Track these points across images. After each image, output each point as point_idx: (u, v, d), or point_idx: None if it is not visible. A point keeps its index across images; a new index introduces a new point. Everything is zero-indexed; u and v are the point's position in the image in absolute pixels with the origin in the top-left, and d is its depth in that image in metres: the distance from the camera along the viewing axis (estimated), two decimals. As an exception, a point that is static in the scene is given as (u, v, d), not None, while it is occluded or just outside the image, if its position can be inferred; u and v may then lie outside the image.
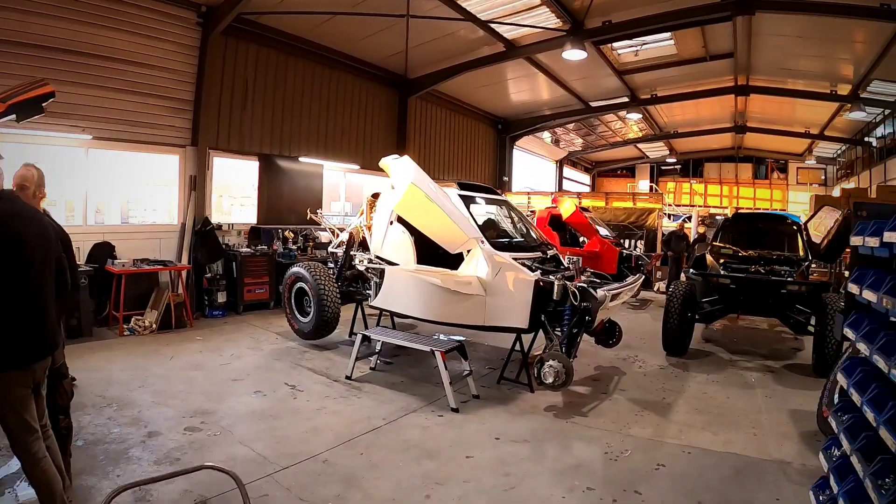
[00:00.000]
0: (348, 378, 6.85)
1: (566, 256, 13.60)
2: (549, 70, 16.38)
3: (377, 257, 7.81)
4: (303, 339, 8.52)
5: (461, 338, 6.97)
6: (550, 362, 5.80)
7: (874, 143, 20.43)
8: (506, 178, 22.36)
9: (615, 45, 14.99)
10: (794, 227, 9.99)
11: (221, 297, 10.67)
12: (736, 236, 10.10)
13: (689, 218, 20.50)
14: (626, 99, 19.20)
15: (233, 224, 11.96)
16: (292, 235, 12.23)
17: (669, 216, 20.79)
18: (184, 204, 10.78)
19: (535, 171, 27.02)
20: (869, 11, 10.63)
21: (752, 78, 17.36)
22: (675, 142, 28.75)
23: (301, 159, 13.23)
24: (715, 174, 31.21)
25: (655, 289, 16.14)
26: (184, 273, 10.11)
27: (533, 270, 6.86)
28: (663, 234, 16.67)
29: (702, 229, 16.21)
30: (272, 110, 12.69)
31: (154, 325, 9.02)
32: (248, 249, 11.28)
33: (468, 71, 15.30)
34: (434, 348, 6.28)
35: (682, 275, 12.03)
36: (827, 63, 15.16)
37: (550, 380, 5.77)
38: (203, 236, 10.57)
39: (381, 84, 15.94)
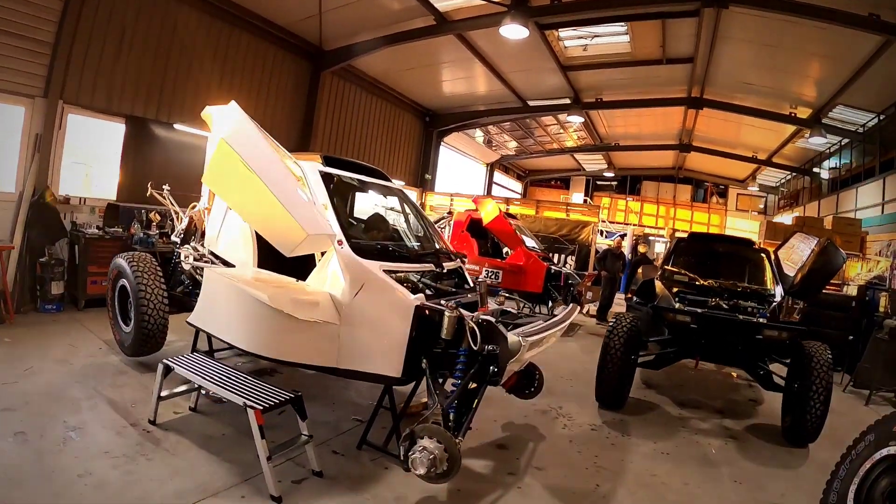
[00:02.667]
0: (151, 422, 4.73)
1: (483, 269, 12.06)
2: (485, 56, 14.53)
3: (210, 253, 5.91)
4: (125, 354, 6.32)
5: (293, 392, 4.37)
6: (425, 442, 3.64)
7: (824, 175, 19.55)
8: (428, 176, 20.57)
9: (562, 32, 13.29)
10: (762, 255, 8.23)
11: (57, 288, 8.53)
12: (691, 260, 8.25)
13: (624, 236, 19.05)
14: (568, 100, 17.52)
15: (85, 199, 9.60)
16: (158, 218, 9.57)
17: (602, 233, 19.29)
18: (24, 168, 8.66)
19: (462, 173, 25.30)
20: (856, 20, 9.36)
21: (707, 90, 16.00)
22: (615, 156, 27.57)
23: (178, 126, 10.91)
24: (653, 193, 30.06)
25: (585, 311, 14.38)
26: (2, 254, 8.04)
27: (418, 290, 4.77)
28: (597, 252, 14.88)
29: (643, 248, 14.53)
30: (153, 65, 10.49)
31: None
32: (96, 231, 9.07)
33: (392, 45, 13.30)
34: (248, 403, 4.03)
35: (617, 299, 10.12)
36: (791, 80, 13.91)
37: (421, 470, 3.62)
38: (39, 210, 8.55)
39: (290, 52, 13.81)
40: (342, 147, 16.38)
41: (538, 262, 11.81)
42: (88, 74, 9.34)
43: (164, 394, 4.80)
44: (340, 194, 5.66)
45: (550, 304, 12.07)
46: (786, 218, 20.00)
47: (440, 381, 4.43)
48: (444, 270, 5.36)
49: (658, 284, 7.61)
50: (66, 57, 8.86)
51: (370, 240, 5.42)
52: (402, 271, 4.90)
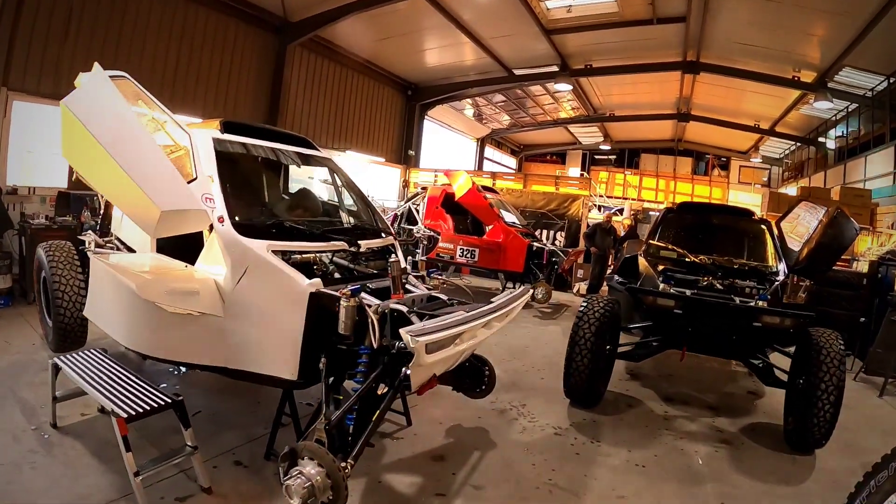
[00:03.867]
0: (53, 426, 4.24)
1: (457, 248, 11.07)
2: (461, 21, 13.59)
3: (117, 238, 5.49)
4: (50, 349, 5.70)
5: (174, 396, 3.60)
6: (304, 465, 2.86)
7: (831, 144, 18.39)
8: (412, 153, 19.68)
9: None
10: (762, 227, 7.12)
11: (4, 282, 8.09)
12: (681, 234, 7.18)
13: (621, 211, 18.01)
14: (556, 68, 16.42)
15: (34, 188, 9.18)
16: (111, 205, 8.83)
17: (599, 207, 18.27)
18: None
19: (451, 148, 24.26)
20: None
21: (704, 53, 14.86)
22: (611, 128, 26.40)
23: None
24: (652, 167, 28.93)
25: (575, 290, 13.49)
26: None
27: (327, 274, 3.95)
28: (588, 227, 13.86)
29: (627, 221, 13.48)
30: (103, 47, 9.96)
31: None
32: (44, 221, 8.59)
33: (360, 12, 12.47)
34: (115, 407, 3.43)
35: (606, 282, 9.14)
36: (794, 40, 12.78)
37: (296, 501, 2.78)
38: None
39: (252, 24, 12.92)
40: (316, 125, 15.53)
41: (518, 238, 10.91)
42: (34, 59, 8.93)
43: (59, 394, 4.26)
44: (241, 165, 4.87)
45: (532, 284, 11.17)
46: (790, 190, 18.95)
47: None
48: (360, 249, 4.37)
49: (642, 262, 6.60)
50: (8, 42, 8.53)
51: (287, 216, 4.61)
52: (298, 251, 3.98)
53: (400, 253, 4.94)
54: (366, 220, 5.22)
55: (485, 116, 24.67)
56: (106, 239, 5.58)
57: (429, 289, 4.41)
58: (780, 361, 5.71)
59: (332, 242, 4.25)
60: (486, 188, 12.64)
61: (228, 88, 12.70)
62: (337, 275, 4.12)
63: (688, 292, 5.58)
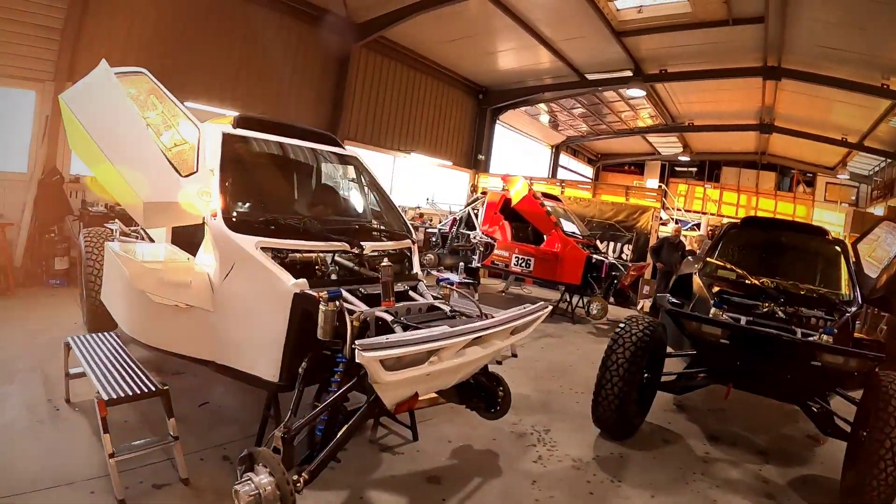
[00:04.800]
0: (67, 401, 4.53)
1: (512, 256, 10.62)
2: (527, 21, 13.13)
3: (142, 228, 5.46)
4: (86, 328, 6.03)
5: (158, 385, 3.67)
6: (256, 473, 2.76)
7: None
8: (481, 157, 19.26)
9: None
10: (836, 248, 6.28)
11: (61, 264, 8.84)
12: (743, 252, 6.48)
13: (698, 226, 17.01)
14: (629, 73, 15.70)
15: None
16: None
17: (676, 221, 17.35)
18: (35, 150, 8.95)
19: (523, 155, 23.79)
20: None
21: (785, 58, 13.71)
22: (691, 138, 25.09)
23: (189, 104, 10.11)
24: (733, 180, 27.27)
25: (639, 307, 12.70)
26: (5, 230, 8.39)
27: (323, 276, 3.88)
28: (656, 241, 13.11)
29: (698, 235, 12.58)
30: (165, 46, 10.36)
31: None
32: (102, 209, 9.26)
33: (423, 12, 12.27)
34: (101, 389, 3.57)
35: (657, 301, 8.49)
36: (882, 44, 11.51)
37: None
38: (47, 189, 8.87)
39: (314, 25, 12.94)
40: (381, 127, 15.52)
41: (576, 249, 10.36)
42: (98, 56, 8.98)
43: (71, 371, 4.45)
44: (253, 161, 4.69)
45: (585, 299, 10.61)
46: (878, 210, 17.33)
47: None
48: (363, 251, 4.07)
49: (696, 281, 5.98)
50: (74, 41, 8.92)
51: (304, 214, 4.51)
52: (291, 249, 3.78)
53: (416, 258, 4.67)
54: (385, 221, 4.98)
55: (560, 123, 24.03)
56: (132, 228, 5.68)
57: (435, 297, 4.07)
58: (845, 407, 4.97)
59: (331, 242, 4.01)
60: (546, 195, 12.17)
61: (291, 89, 12.87)
62: (333, 276, 3.93)
63: (742, 320, 4.96)
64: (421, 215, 16.33)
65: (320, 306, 3.16)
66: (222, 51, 11.27)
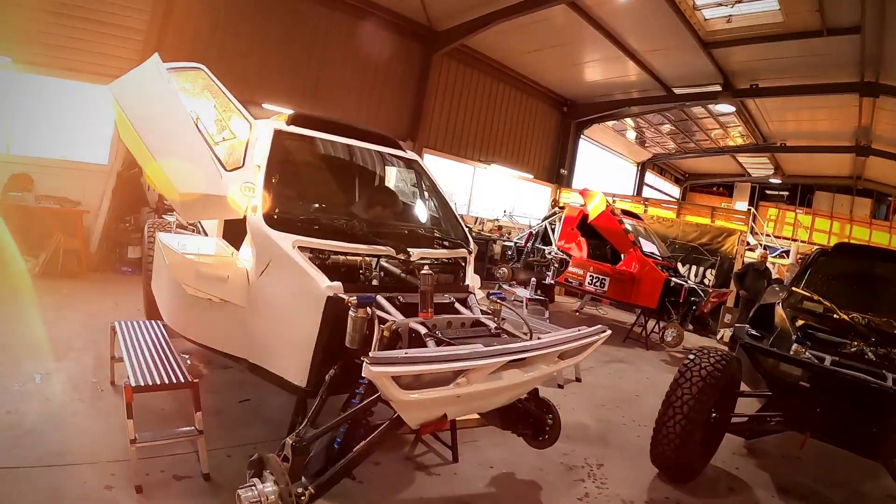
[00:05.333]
0: (112, 383, 4.68)
1: (587, 274, 10.16)
2: (610, 30, 12.77)
3: (199, 221, 5.42)
4: (145, 317, 6.09)
5: (189, 378, 3.65)
6: (265, 479, 2.66)
7: None
8: (564, 172, 18.79)
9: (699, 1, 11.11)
10: None
11: (133, 253, 9.27)
12: (834, 283, 5.84)
13: (787, 253, 15.91)
14: (718, 87, 14.96)
15: None
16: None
17: (765, 247, 16.30)
18: (115, 144, 9.36)
19: (608, 171, 23.12)
20: None
21: (883, 73, 12.68)
22: (783, 160, 23.72)
23: (265, 106, 10.91)
24: (826, 206, 25.36)
25: (719, 336, 11.89)
26: (81, 217, 8.90)
27: (367, 281, 3.74)
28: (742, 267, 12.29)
29: (784, 266, 11.66)
30: (248, 48, 10.82)
31: (37, 269, 8.20)
32: None
33: (504, 19, 12.08)
34: (132, 375, 3.58)
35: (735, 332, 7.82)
36: None
37: None
38: (124, 181, 9.41)
39: (395, 33, 13.13)
40: (460, 136, 15.44)
41: (654, 270, 9.80)
42: (181, 56, 9.62)
43: (116, 355, 4.51)
44: (306, 158, 4.68)
45: (662, 324, 10.04)
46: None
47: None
48: (409, 258, 3.86)
49: (779, 312, 5.40)
50: (158, 42, 9.32)
51: (358, 215, 4.34)
52: (330, 251, 3.64)
53: (470, 269, 4.40)
54: (442, 228, 4.76)
55: (647, 140, 23.27)
56: (190, 221, 5.67)
57: (484, 312, 3.80)
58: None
59: (374, 246, 3.82)
60: (626, 213, 11.71)
61: (372, 96, 13.00)
62: (375, 282, 3.75)
63: (827, 360, 4.40)
64: (499, 228, 16.08)
65: (349, 312, 2.99)
66: (302, 54, 11.51)
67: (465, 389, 2.65)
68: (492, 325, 3.50)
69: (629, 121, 20.52)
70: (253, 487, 2.59)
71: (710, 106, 17.10)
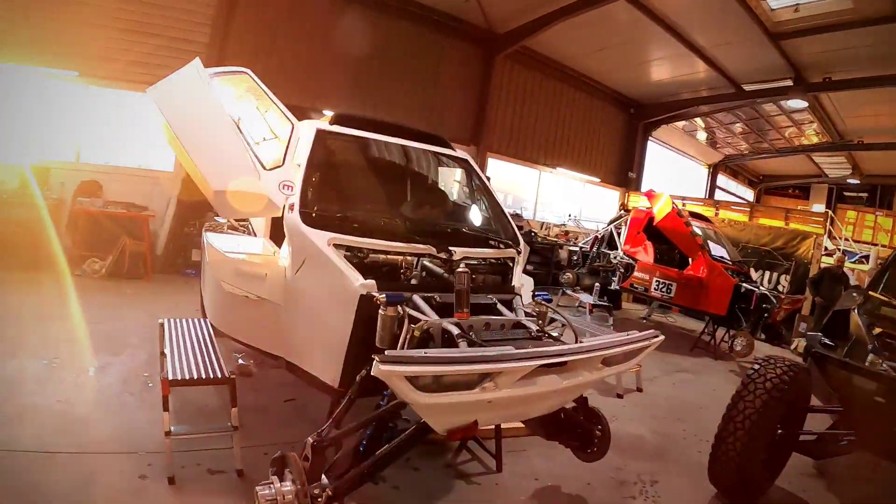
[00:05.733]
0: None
1: (653, 280, 9.71)
2: (673, 26, 12.30)
3: (250, 223, 5.64)
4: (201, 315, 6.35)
5: (226, 374, 3.67)
6: (285, 478, 2.70)
7: None
8: (632, 175, 18.25)
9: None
10: None
11: (197, 256, 9.16)
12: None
13: (866, 258, 14.94)
14: (789, 82, 14.16)
15: None
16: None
17: (844, 252, 15.34)
18: None
19: (678, 174, 22.40)
20: None
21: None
22: (861, 158, 22.15)
23: (327, 112, 11.20)
24: (908, 208, 23.79)
25: (793, 346, 11.20)
26: (148, 221, 9.24)
27: (407, 280, 3.64)
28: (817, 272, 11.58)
29: (864, 271, 10.88)
30: (308, 58, 11.04)
31: (103, 270, 8.54)
32: None
33: (564, 19, 11.91)
34: (170, 369, 3.64)
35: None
36: None
37: None
38: (189, 186, 9.66)
39: (456, 37, 13.17)
40: (524, 139, 15.26)
41: (723, 276, 9.31)
42: (243, 65, 9.94)
43: (165, 351, 4.45)
44: (349, 158, 4.68)
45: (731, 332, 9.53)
46: None
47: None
48: (452, 257, 3.72)
49: (854, 319, 4.96)
50: (219, 52, 9.72)
51: (407, 215, 4.35)
52: (368, 249, 3.56)
53: (518, 270, 4.19)
54: (491, 228, 4.62)
55: (718, 141, 22.38)
56: (242, 222, 5.76)
57: (529, 314, 3.63)
58: None
59: (413, 245, 3.71)
60: (695, 215, 11.23)
61: (434, 100, 13.01)
62: (414, 281, 3.64)
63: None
64: (566, 233, 15.76)
65: (379, 311, 2.92)
66: (363, 60, 11.62)
67: (493, 395, 2.49)
68: (534, 327, 3.34)
69: (699, 121, 19.80)
70: (271, 485, 2.57)
71: (782, 102, 16.29)
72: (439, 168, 5.24)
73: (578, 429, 3.60)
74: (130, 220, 9.10)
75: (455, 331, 2.89)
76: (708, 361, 9.01)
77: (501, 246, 4.29)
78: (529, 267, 13.07)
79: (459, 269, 3.15)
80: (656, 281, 9.93)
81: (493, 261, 4.13)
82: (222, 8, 9.77)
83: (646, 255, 10.50)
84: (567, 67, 15.46)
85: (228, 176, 3.48)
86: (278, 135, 3.97)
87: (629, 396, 6.46)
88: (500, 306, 3.58)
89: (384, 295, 2.96)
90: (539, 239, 14.13)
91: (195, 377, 3.59)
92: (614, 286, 10.69)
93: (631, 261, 10.54)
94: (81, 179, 9.23)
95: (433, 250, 3.71)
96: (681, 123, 19.71)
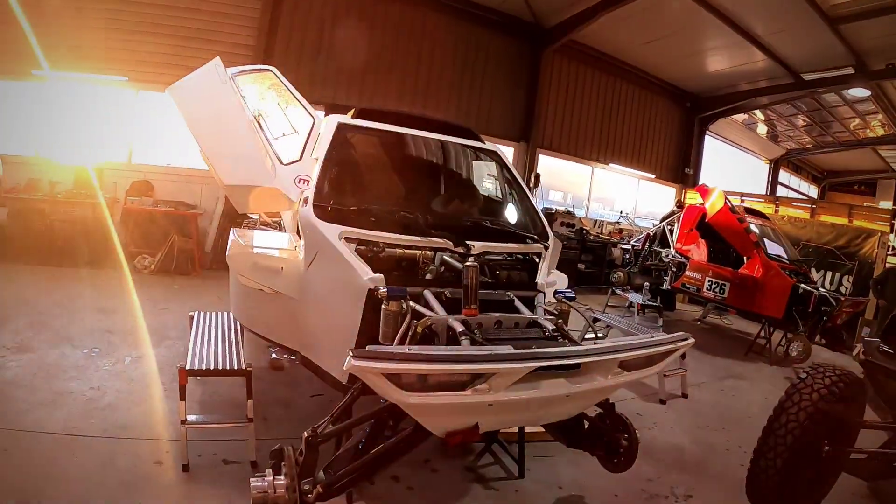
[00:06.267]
0: None
1: (705, 279, 9.27)
2: (724, 12, 11.76)
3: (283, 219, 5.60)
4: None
5: (243, 367, 3.81)
6: (280, 472, 2.63)
7: None
8: (689, 171, 17.65)
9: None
10: None
11: None
12: None
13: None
14: (850, 70, 13.32)
15: None
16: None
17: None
18: None
19: (737, 170, 21.57)
20: None
21: None
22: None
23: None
24: (983, 204, 22.14)
25: (855, 352, 10.44)
26: (196, 219, 9.68)
27: (423, 275, 3.51)
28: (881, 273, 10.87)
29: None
30: (353, 56, 11.04)
31: (152, 266, 8.92)
32: None
33: (609, 10, 11.56)
34: (189, 359, 3.82)
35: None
36: None
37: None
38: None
39: (503, 32, 13.03)
40: (576, 135, 15.02)
41: (780, 275, 8.80)
42: (291, 67, 10.11)
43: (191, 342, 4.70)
44: (365, 150, 4.61)
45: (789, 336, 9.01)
46: None
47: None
48: (467, 251, 3.55)
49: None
50: (265, 54, 9.96)
51: (439, 210, 4.30)
52: (381, 242, 3.48)
53: (544, 265, 3.95)
54: (519, 222, 4.45)
55: (779, 134, 21.40)
56: (275, 219, 5.82)
57: (549, 311, 3.46)
58: None
59: (429, 238, 3.57)
60: (751, 211, 10.71)
61: (481, 97, 12.94)
62: (428, 276, 3.50)
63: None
64: (620, 230, 15.37)
65: (382, 306, 2.82)
66: (410, 58, 11.75)
67: (490, 397, 2.33)
68: (550, 326, 3.14)
69: (758, 114, 18.93)
70: (264, 478, 2.54)
71: (844, 92, 15.35)
72: (466, 160, 5.09)
73: (603, 437, 3.39)
74: (180, 218, 9.47)
75: (459, 328, 2.75)
76: (762, 367, 8.57)
77: (528, 241, 4.09)
78: (581, 266, 12.80)
79: (468, 263, 3.02)
80: (709, 281, 9.48)
81: (517, 256, 3.98)
82: (266, 11, 10.02)
83: (699, 253, 10.05)
84: (618, 60, 15.06)
85: (239, 171, 3.54)
86: (298, 130, 4.01)
87: (673, 402, 6.16)
88: (518, 303, 3.40)
89: (386, 289, 2.86)
90: (592, 237, 13.79)
91: (212, 368, 3.71)
92: (666, 286, 10.25)
93: (683, 259, 10.09)
94: (133, 179, 9.71)
95: (450, 244, 3.56)
96: (740, 117, 18.89)
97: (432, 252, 3.57)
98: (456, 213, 4.35)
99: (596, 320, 7.12)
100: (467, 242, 3.57)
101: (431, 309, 2.96)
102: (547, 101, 13.99)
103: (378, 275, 3.08)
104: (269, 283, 3.68)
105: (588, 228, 14.33)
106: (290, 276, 3.63)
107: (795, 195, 24.05)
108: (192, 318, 4.83)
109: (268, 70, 4.38)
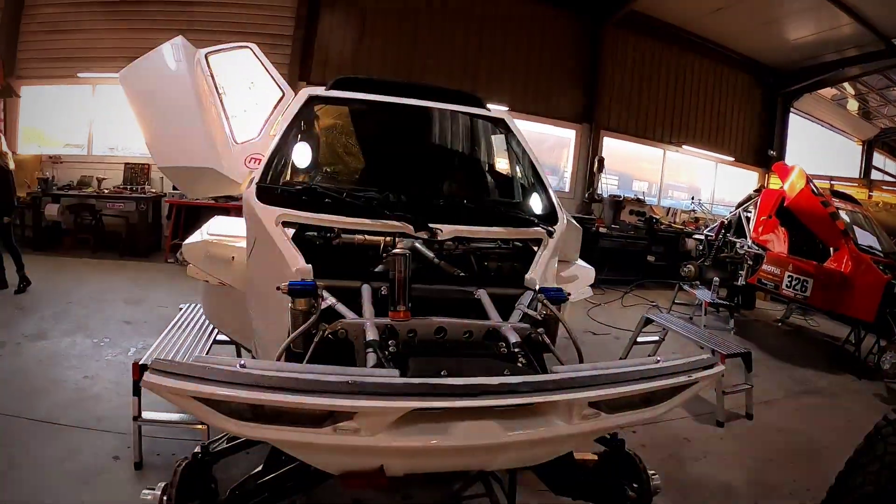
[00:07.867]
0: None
1: (785, 274, 8.10)
2: None
3: None
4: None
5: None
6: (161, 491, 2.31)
7: None
8: (772, 153, 16.09)
9: None
10: None
11: None
12: None
13: None
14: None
15: None
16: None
17: None
18: None
19: (826, 152, 19.57)
20: None
21: None
22: None
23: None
24: None
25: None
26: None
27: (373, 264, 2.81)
28: None
29: None
30: (399, 40, 11.15)
31: (182, 258, 8.53)
32: None
33: None
34: (148, 355, 3.80)
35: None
36: None
37: None
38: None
39: (559, 7, 12.53)
40: (645, 116, 14.15)
41: (872, 270, 7.26)
42: (333, 57, 10.54)
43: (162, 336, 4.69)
44: (337, 125, 4.18)
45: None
46: None
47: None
48: (432, 236, 2.82)
49: None
50: (302, 44, 10.20)
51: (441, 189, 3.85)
52: (326, 227, 2.81)
53: (544, 255, 3.02)
54: (520, 202, 3.71)
55: (871, 111, 19.49)
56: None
57: (532, 315, 2.50)
58: None
59: (385, 221, 2.85)
60: (839, 195, 9.27)
61: (539, 78, 12.50)
62: (379, 268, 2.81)
63: None
64: (696, 220, 14.25)
65: (287, 304, 2.28)
66: (461, 42, 11.54)
67: (356, 440, 1.69)
68: (514, 339, 2.26)
69: (848, 87, 17.27)
70: (153, 491, 2.26)
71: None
72: (462, 131, 4.40)
73: (602, 485, 2.64)
74: (222, 211, 9.44)
75: (370, 336, 2.10)
76: (849, 381, 7.10)
77: (521, 223, 3.21)
78: (651, 258, 11.91)
79: (396, 251, 2.35)
80: (788, 276, 8.00)
81: (514, 244, 3.17)
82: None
83: (778, 243, 8.68)
84: (686, 31, 13.98)
85: (174, 152, 3.36)
86: (261, 106, 3.69)
87: (733, 424, 5.02)
88: (486, 304, 2.56)
89: (287, 284, 2.27)
90: (663, 226, 12.82)
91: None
92: (741, 281, 8.96)
93: (760, 251, 8.83)
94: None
95: (410, 228, 2.83)
96: (828, 92, 17.27)
97: (392, 238, 2.85)
98: (431, 192, 3.65)
99: (649, 321, 6.32)
100: (432, 226, 2.85)
101: (359, 308, 2.34)
102: (610, 79, 13.29)
103: (307, 265, 2.45)
104: (215, 273, 3.26)
105: (660, 217, 13.29)
106: (240, 266, 3.21)
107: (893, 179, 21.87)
108: (181, 309, 4.68)
109: (246, 47, 4.24)
